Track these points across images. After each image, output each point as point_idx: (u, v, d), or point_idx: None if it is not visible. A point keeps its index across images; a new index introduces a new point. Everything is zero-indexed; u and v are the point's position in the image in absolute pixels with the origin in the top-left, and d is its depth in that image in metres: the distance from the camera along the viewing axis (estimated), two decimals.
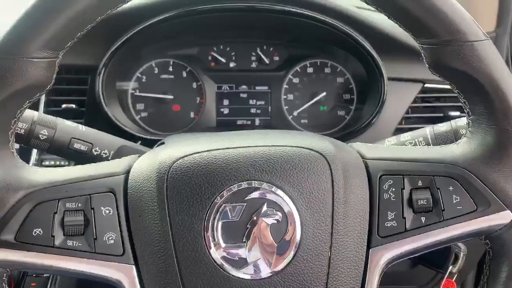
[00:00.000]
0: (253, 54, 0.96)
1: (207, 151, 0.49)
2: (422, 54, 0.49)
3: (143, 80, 0.95)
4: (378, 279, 0.48)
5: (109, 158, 0.64)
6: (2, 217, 0.45)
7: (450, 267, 0.74)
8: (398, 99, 0.90)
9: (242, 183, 0.46)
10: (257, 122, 0.96)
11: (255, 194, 0.46)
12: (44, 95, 0.84)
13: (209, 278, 0.45)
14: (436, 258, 0.77)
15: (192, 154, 0.49)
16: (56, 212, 0.46)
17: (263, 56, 0.96)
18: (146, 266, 0.46)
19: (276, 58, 0.97)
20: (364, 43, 0.87)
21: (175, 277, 0.45)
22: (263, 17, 0.91)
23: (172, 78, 0.95)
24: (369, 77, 0.92)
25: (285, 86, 0.96)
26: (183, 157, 0.48)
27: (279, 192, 0.47)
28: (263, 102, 0.96)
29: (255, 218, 0.46)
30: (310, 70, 0.96)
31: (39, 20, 0.44)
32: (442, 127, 0.69)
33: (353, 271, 0.47)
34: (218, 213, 0.46)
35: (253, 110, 0.96)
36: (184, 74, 0.96)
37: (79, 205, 0.47)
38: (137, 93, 0.94)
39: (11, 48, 0.44)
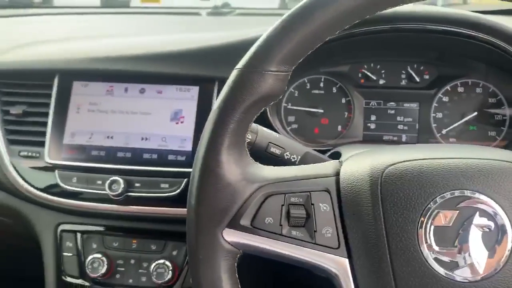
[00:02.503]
0: (403, 72, 0.99)
1: (418, 159, 0.53)
2: None
3: (295, 94, 1.02)
4: None
5: (297, 163, 0.71)
6: (241, 205, 0.52)
7: None
8: None
9: (454, 191, 0.50)
10: (403, 138, 0.99)
11: (467, 203, 0.49)
12: None
13: (421, 276, 0.49)
14: None
15: (403, 161, 0.53)
16: (283, 205, 0.52)
17: (413, 74, 0.98)
18: (360, 260, 0.51)
19: (426, 77, 0.99)
20: None
21: (387, 273, 0.49)
22: (415, 36, 0.94)
23: (323, 93, 1.01)
24: None
25: (434, 104, 0.98)
26: (395, 163, 0.53)
27: (492, 203, 0.49)
28: (410, 119, 0.99)
29: (467, 225, 0.49)
30: (460, 89, 0.97)
31: (282, 39, 0.51)
32: None
33: None
34: (431, 218, 0.49)
35: (400, 126, 0.99)
36: (334, 90, 1.01)
37: (301, 200, 0.53)
38: (289, 106, 1.01)
39: (258, 62, 0.52)
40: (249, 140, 0.70)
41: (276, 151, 0.70)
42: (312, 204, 0.52)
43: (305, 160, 0.70)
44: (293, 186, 0.53)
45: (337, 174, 0.55)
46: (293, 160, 0.70)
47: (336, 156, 0.76)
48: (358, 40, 0.93)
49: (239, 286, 0.53)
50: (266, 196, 0.52)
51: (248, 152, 0.55)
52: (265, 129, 0.72)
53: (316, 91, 1.01)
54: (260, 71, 0.51)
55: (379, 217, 0.50)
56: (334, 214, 0.52)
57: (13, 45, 1.08)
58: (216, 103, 0.53)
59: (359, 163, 0.55)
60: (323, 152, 0.84)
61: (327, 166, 0.57)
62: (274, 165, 0.59)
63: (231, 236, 0.52)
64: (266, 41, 0.52)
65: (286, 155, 0.70)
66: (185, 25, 1.48)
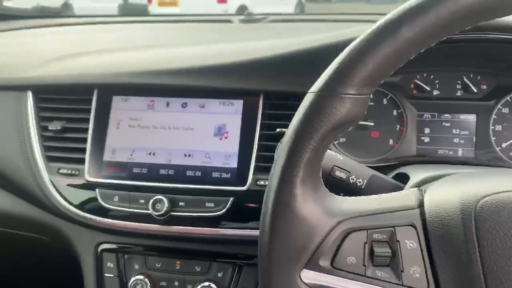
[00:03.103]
0: (459, 82, 0.94)
1: None
2: None
3: None
4: None
5: (363, 187, 0.66)
6: (320, 243, 0.47)
7: None
8: None
9: None
10: (459, 152, 0.93)
11: None
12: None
13: None
14: None
15: (498, 193, 0.48)
16: (366, 242, 0.48)
17: (470, 85, 0.92)
18: None
19: (484, 87, 0.93)
20: None
21: None
22: (472, 46, 0.88)
23: (372, 105, 0.96)
24: None
25: (493, 116, 0.92)
26: (489, 195, 0.48)
27: None
28: (467, 132, 0.93)
29: None
30: None
31: (364, 59, 0.47)
32: None
33: None
34: None
35: (456, 140, 0.93)
36: (385, 101, 0.96)
37: (385, 236, 0.48)
38: None
39: (337, 85, 0.47)
40: None
41: (342, 175, 0.65)
42: (398, 241, 0.48)
43: (371, 184, 0.65)
44: (375, 220, 0.48)
45: (421, 205, 0.50)
46: (359, 184, 0.65)
47: (402, 178, 0.71)
48: None
49: None
50: (347, 233, 0.48)
51: (323, 183, 0.50)
52: (329, 150, 0.68)
53: None
54: (339, 94, 0.46)
55: (475, 257, 0.45)
56: (422, 252, 0.48)
57: (46, 58, 1.06)
58: (290, 130, 0.49)
59: (444, 193, 0.50)
60: (376, 169, 0.79)
61: (409, 196, 0.52)
62: (337, 190, 0.55)
63: (309, 278, 0.47)
64: (346, 61, 0.47)
65: (352, 179, 0.65)
66: (217, 32, 1.44)
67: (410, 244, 0.48)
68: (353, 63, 0.47)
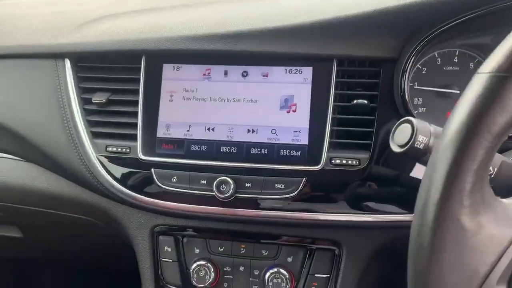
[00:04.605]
0: None
1: None
2: None
3: (423, 72, 0.85)
4: None
5: (492, 176, 0.57)
6: (495, 262, 0.38)
7: None
8: None
9: None
10: None
11: None
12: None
13: None
14: None
15: None
16: None
17: None
18: None
19: None
20: None
21: None
22: None
23: (457, 70, 0.85)
24: None
25: None
26: None
27: None
28: None
29: None
30: None
31: None
32: None
33: None
34: None
35: None
36: (472, 66, 0.84)
37: None
38: (416, 86, 0.86)
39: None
40: (422, 146, 0.56)
41: None
42: None
43: (501, 171, 0.56)
44: None
45: None
46: (489, 173, 0.56)
47: None
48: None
49: None
50: None
51: (490, 186, 0.41)
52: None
53: (449, 68, 0.85)
54: None
55: None
56: None
57: (79, 20, 0.94)
58: (456, 121, 0.38)
59: None
60: None
61: None
62: None
63: None
64: None
65: None
66: None
67: None
68: None
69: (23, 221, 1.06)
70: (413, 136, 0.55)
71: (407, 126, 0.57)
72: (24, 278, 1.55)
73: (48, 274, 1.60)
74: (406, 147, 0.55)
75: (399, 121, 0.60)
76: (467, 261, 0.38)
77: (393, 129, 0.60)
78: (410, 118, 0.58)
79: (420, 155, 0.55)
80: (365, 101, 0.79)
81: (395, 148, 0.58)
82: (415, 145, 0.55)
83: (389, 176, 0.79)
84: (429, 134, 0.56)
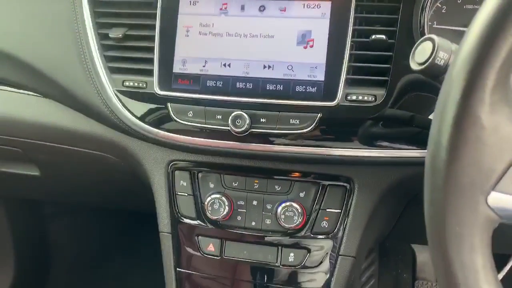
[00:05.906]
0: None
1: None
2: None
3: (443, 10, 0.84)
4: None
5: None
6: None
7: None
8: None
9: None
10: None
11: None
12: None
13: None
14: None
15: None
16: None
17: None
18: None
19: None
20: None
21: None
22: None
23: (478, 9, 0.83)
24: None
25: None
26: None
27: None
28: None
29: None
30: None
31: None
32: None
33: None
34: None
35: None
36: None
37: None
38: (436, 26, 0.84)
39: None
40: (442, 63, 0.55)
41: None
42: None
43: None
44: None
45: None
46: None
47: None
48: None
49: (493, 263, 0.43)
50: None
51: None
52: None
53: (471, 6, 0.83)
54: None
55: None
56: None
57: None
58: (479, 18, 0.38)
59: None
60: None
61: None
62: None
63: (497, 201, 0.40)
64: None
65: None
66: None
67: None
68: None
69: (40, 158, 1.08)
70: (434, 52, 0.55)
71: (428, 44, 0.57)
72: (41, 222, 1.60)
73: (64, 219, 1.65)
74: (426, 64, 0.55)
75: (420, 39, 0.59)
76: (485, 159, 0.39)
77: (413, 48, 0.60)
78: (432, 35, 0.58)
79: (440, 73, 0.55)
80: (383, 36, 0.78)
81: (415, 66, 0.58)
82: (436, 62, 0.55)
83: (405, 113, 0.79)
84: (450, 51, 0.56)
